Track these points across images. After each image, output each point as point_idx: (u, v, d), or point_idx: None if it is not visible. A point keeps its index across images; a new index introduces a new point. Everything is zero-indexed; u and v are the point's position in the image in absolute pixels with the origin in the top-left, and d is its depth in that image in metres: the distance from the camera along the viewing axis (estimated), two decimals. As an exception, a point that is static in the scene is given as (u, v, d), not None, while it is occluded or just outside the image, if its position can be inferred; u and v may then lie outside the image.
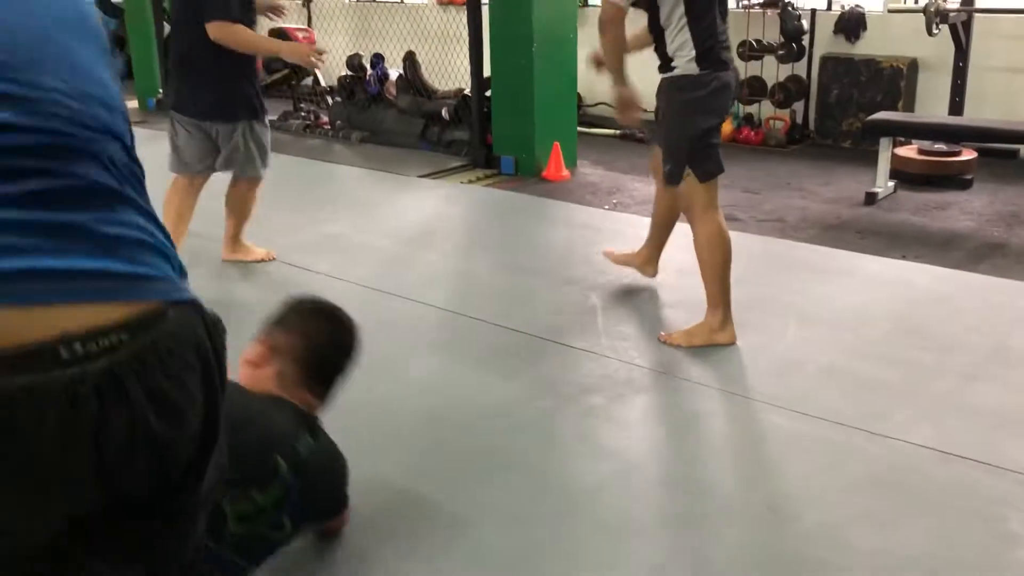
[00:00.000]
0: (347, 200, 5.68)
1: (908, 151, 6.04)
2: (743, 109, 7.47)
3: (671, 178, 3.27)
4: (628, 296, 3.84)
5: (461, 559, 2.21)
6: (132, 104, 9.21)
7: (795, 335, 3.45)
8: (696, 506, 2.41)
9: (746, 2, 7.10)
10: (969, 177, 5.83)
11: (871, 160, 5.98)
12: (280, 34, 8.20)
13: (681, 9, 3.13)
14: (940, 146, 5.94)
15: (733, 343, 3.32)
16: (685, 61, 3.16)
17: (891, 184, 5.66)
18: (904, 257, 4.46)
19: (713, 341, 3.31)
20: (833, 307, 3.70)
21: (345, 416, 2.32)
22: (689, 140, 3.20)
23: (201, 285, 1.34)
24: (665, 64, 3.23)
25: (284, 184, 6.17)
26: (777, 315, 3.61)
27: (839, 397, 2.96)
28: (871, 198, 5.50)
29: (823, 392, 3.00)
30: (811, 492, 2.47)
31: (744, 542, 2.28)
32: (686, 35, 3.15)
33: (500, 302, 3.83)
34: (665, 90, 3.27)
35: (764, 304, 3.72)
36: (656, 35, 3.25)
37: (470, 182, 6.11)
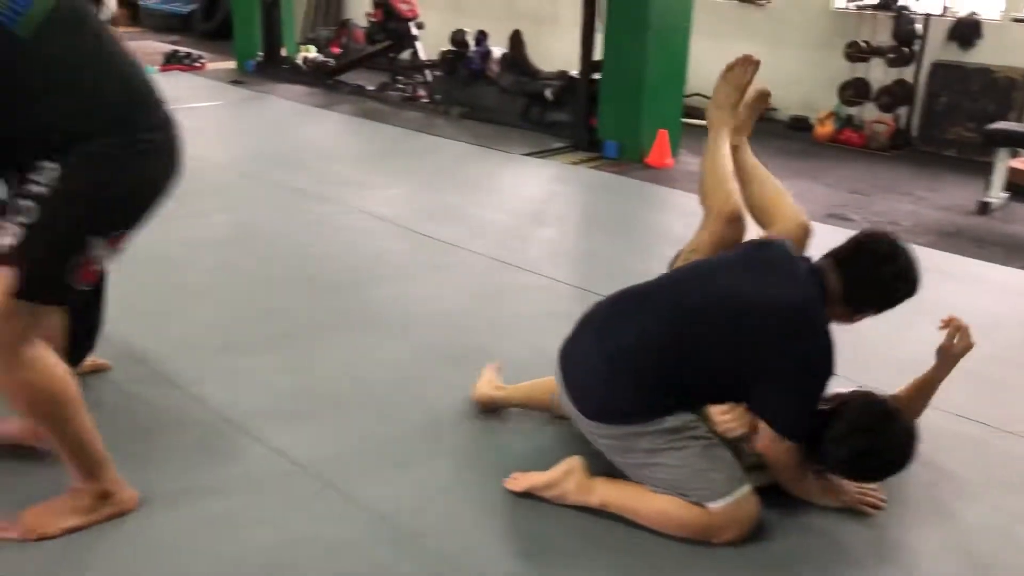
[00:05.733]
0: (458, 173, 5.73)
1: (1020, 162, 5.94)
2: (845, 110, 7.40)
3: None
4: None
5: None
6: (231, 65, 9.37)
7: (929, 335, 3.43)
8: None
9: (860, 2, 7.00)
10: (1084, 194, 5.73)
11: (975, 170, 5.94)
12: (384, 4, 8.29)
13: None
14: (1055, 160, 5.84)
15: None
16: None
17: (1004, 195, 5.59)
18: (1025, 268, 4.41)
19: None
20: (964, 312, 3.64)
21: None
22: None
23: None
24: None
25: (394, 154, 6.27)
26: (909, 316, 3.59)
27: (980, 400, 2.95)
28: (984, 207, 5.44)
29: (964, 393, 2.99)
30: (970, 490, 2.48)
31: (914, 534, 2.30)
32: None
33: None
34: None
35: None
36: None
37: (573, 164, 6.15)
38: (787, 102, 7.99)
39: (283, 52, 9.05)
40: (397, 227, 4.48)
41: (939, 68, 7.00)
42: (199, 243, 4.14)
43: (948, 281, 4.04)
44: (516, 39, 7.34)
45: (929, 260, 4.32)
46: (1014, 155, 5.71)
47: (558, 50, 8.03)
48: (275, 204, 4.84)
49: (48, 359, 1.92)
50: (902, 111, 7.24)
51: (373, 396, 2.82)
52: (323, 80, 8.52)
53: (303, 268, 3.89)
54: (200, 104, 7.21)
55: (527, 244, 4.37)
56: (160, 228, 4.29)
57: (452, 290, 3.73)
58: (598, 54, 6.37)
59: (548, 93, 6.93)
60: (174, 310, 3.41)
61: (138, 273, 3.80)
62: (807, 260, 2.35)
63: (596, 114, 6.44)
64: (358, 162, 5.95)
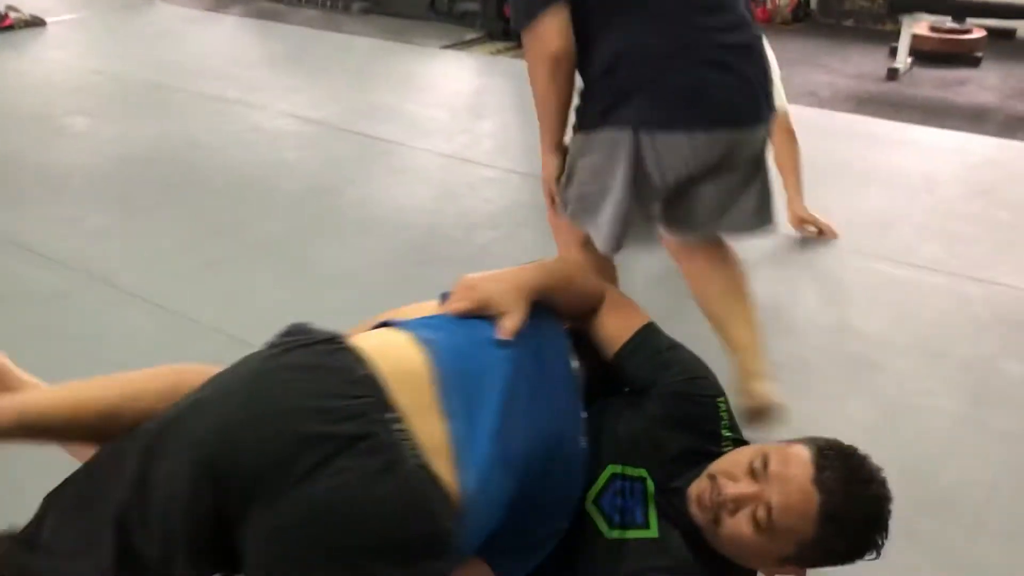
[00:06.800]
0: (379, 70, 5.55)
1: (921, 28, 6.19)
2: (745, -14, 7.48)
3: None
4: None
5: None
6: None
7: (879, 197, 3.62)
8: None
9: None
10: (979, 55, 6.04)
11: (875, 39, 6.23)
12: None
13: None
14: (951, 24, 6.10)
15: None
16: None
17: (908, 60, 5.82)
18: (943, 128, 4.65)
19: None
20: (904, 172, 3.88)
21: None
22: None
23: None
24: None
25: (305, 55, 6.01)
26: (856, 179, 3.78)
27: (940, 250, 3.15)
28: (893, 74, 5.66)
29: (924, 246, 3.19)
30: (950, 332, 2.67)
31: (905, 375, 2.48)
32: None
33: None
34: None
35: (841, 170, 3.87)
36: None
37: (493, 54, 6.05)
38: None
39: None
40: (336, 129, 4.34)
41: (834, -62, 7.15)
42: (134, 159, 3.93)
43: (880, 145, 4.24)
44: (415, -73, 7.06)
45: (858, 127, 4.56)
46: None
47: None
48: (199, 114, 4.60)
49: None
50: (801, -16, 7.39)
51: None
52: (207, -19, 8.01)
53: (253, 179, 3.75)
54: (78, 15, 6.70)
55: (474, 138, 4.32)
56: (88, 145, 4.09)
57: (419, 189, 3.68)
58: (506, -61, 6.22)
59: (456, -17, 6.74)
60: (130, 230, 3.26)
61: (80, 193, 3.60)
62: None
63: (509, 2, 6.32)
64: (271, 66, 5.69)
